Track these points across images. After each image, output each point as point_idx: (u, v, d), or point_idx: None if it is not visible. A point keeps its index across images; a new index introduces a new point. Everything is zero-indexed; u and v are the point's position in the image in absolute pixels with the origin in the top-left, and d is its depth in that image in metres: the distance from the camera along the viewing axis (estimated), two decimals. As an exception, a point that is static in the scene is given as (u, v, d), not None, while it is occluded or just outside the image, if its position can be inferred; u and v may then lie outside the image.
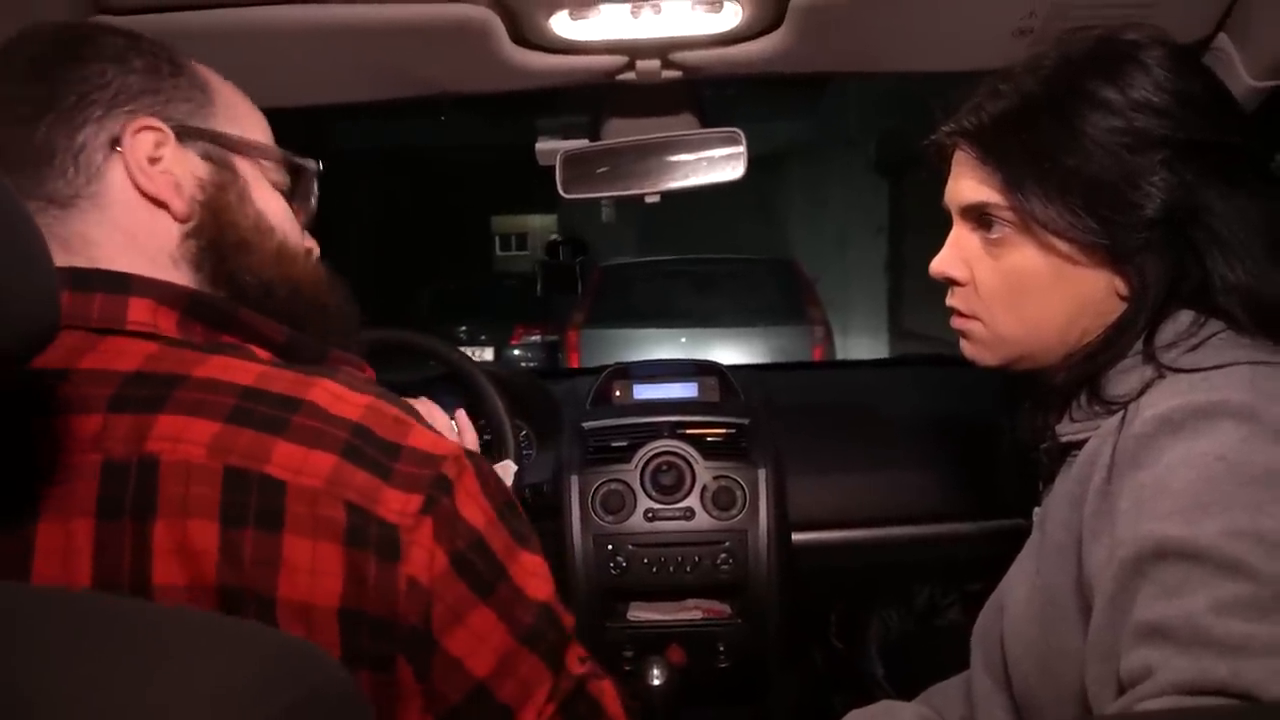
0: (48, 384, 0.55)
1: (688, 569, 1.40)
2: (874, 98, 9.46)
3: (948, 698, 0.93)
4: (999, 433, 1.31)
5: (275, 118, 0.73)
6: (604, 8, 0.98)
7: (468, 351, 1.47)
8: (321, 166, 0.75)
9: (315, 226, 0.76)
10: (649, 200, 1.20)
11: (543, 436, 1.58)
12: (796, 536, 1.49)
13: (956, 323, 0.81)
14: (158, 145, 0.63)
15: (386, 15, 0.96)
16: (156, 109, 0.64)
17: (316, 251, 0.74)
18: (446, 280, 9.53)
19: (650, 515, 1.42)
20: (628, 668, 1.38)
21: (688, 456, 1.44)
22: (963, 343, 0.82)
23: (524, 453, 1.52)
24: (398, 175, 13.25)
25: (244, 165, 0.67)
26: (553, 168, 1.19)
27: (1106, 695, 0.61)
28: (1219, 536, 0.56)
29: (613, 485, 1.43)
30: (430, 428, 0.60)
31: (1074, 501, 0.70)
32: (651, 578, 1.41)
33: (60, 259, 0.59)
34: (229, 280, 0.65)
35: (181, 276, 0.63)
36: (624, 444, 1.47)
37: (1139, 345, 0.70)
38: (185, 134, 0.64)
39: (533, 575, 0.59)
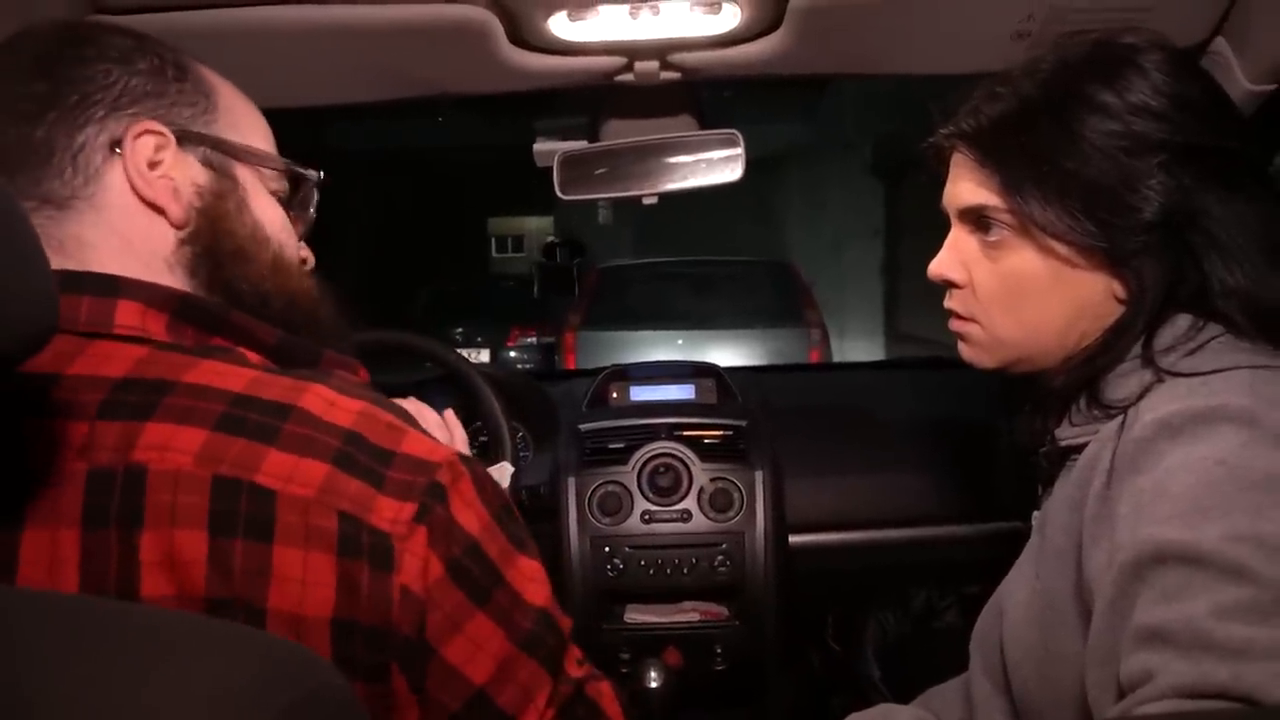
0: (35, 389, 0.54)
1: (685, 571, 1.40)
2: (871, 101, 9.48)
3: (945, 701, 0.93)
4: (996, 435, 1.32)
5: (272, 118, 0.73)
6: (602, 9, 0.98)
7: (464, 353, 1.47)
8: (322, 175, 0.74)
9: (312, 230, 0.75)
10: (647, 201, 1.20)
11: (540, 438, 1.58)
12: (794, 539, 1.49)
13: (954, 325, 0.81)
14: (158, 149, 0.62)
15: (384, 16, 0.96)
16: (159, 113, 0.63)
17: (311, 262, 0.74)
18: (443, 282, 9.52)
19: (647, 517, 1.42)
20: (625, 670, 1.38)
21: (685, 458, 1.44)
22: (961, 345, 0.82)
23: (521, 454, 1.52)
24: (395, 176, 13.24)
25: (244, 173, 0.67)
26: (550, 169, 1.19)
27: (1106, 699, 0.61)
28: (1219, 541, 0.56)
29: (610, 487, 1.43)
30: (425, 432, 0.59)
31: (1073, 506, 0.70)
32: (648, 580, 1.41)
33: (54, 261, 0.58)
34: (225, 289, 0.64)
35: (176, 283, 0.62)
36: (621, 446, 1.47)
37: (1137, 349, 0.70)
38: (186, 139, 0.64)
39: (530, 580, 0.59)
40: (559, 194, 1.19)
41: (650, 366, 1.69)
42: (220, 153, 0.65)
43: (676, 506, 1.42)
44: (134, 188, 0.61)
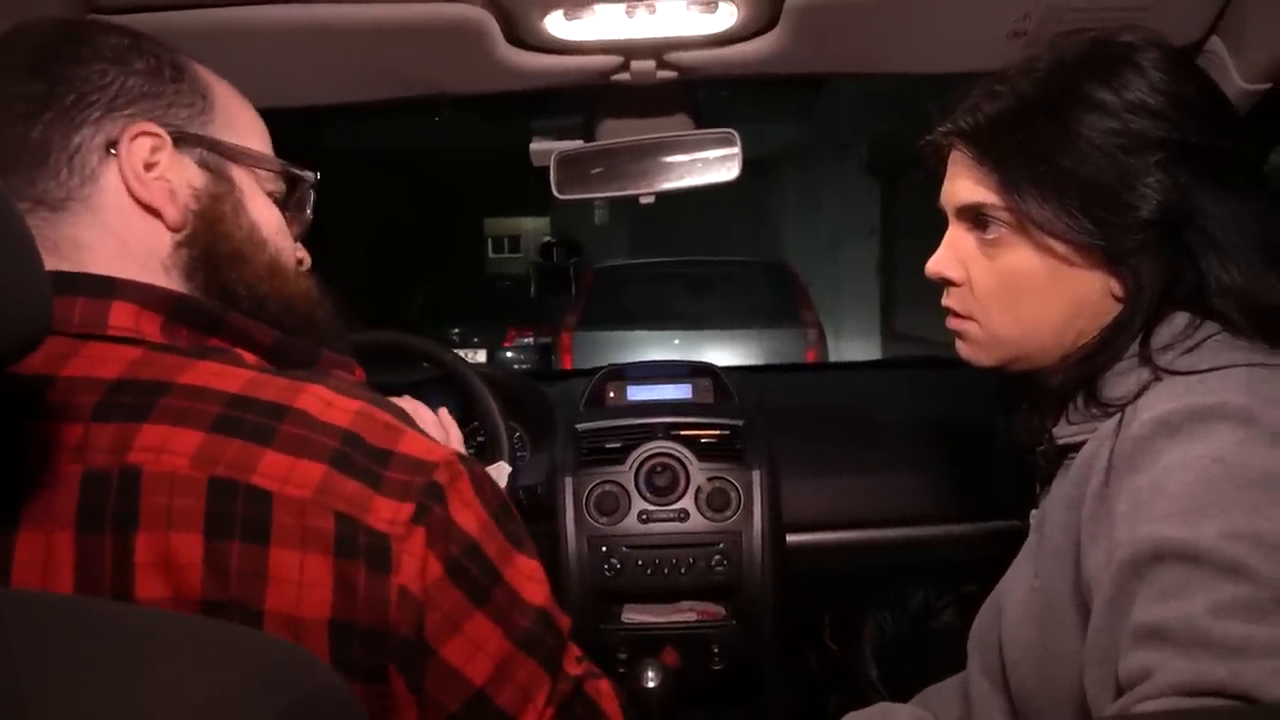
0: (29, 391, 0.54)
1: (682, 571, 1.40)
2: (867, 101, 9.50)
3: (943, 700, 0.93)
4: (993, 434, 1.32)
5: (269, 118, 0.72)
6: (599, 8, 0.98)
7: (461, 353, 1.46)
8: (318, 176, 0.74)
9: (309, 230, 0.75)
10: (644, 201, 1.20)
11: (537, 438, 1.58)
12: (791, 538, 1.49)
13: (952, 323, 0.81)
14: (154, 151, 0.62)
15: (380, 15, 0.96)
16: (156, 114, 0.63)
17: (308, 262, 0.73)
18: (440, 282, 9.52)
19: (644, 517, 1.41)
20: (622, 670, 1.38)
21: (682, 458, 1.44)
22: (959, 343, 0.82)
23: (518, 454, 1.52)
24: (392, 177, 13.24)
25: (240, 174, 0.66)
26: (547, 168, 1.18)
27: (1105, 697, 0.61)
28: (1217, 538, 0.56)
29: (607, 487, 1.43)
30: (422, 432, 0.59)
31: (1072, 504, 0.70)
32: (646, 579, 1.40)
33: (49, 263, 0.57)
34: (222, 291, 0.64)
35: (173, 285, 0.62)
36: (618, 445, 1.47)
37: (1135, 347, 0.70)
38: (183, 140, 0.63)
39: (529, 579, 0.59)
40: (555, 193, 1.18)
41: (647, 366, 1.69)
42: (216, 154, 0.65)
43: (674, 506, 1.42)
44: (130, 190, 0.61)
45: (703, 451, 1.45)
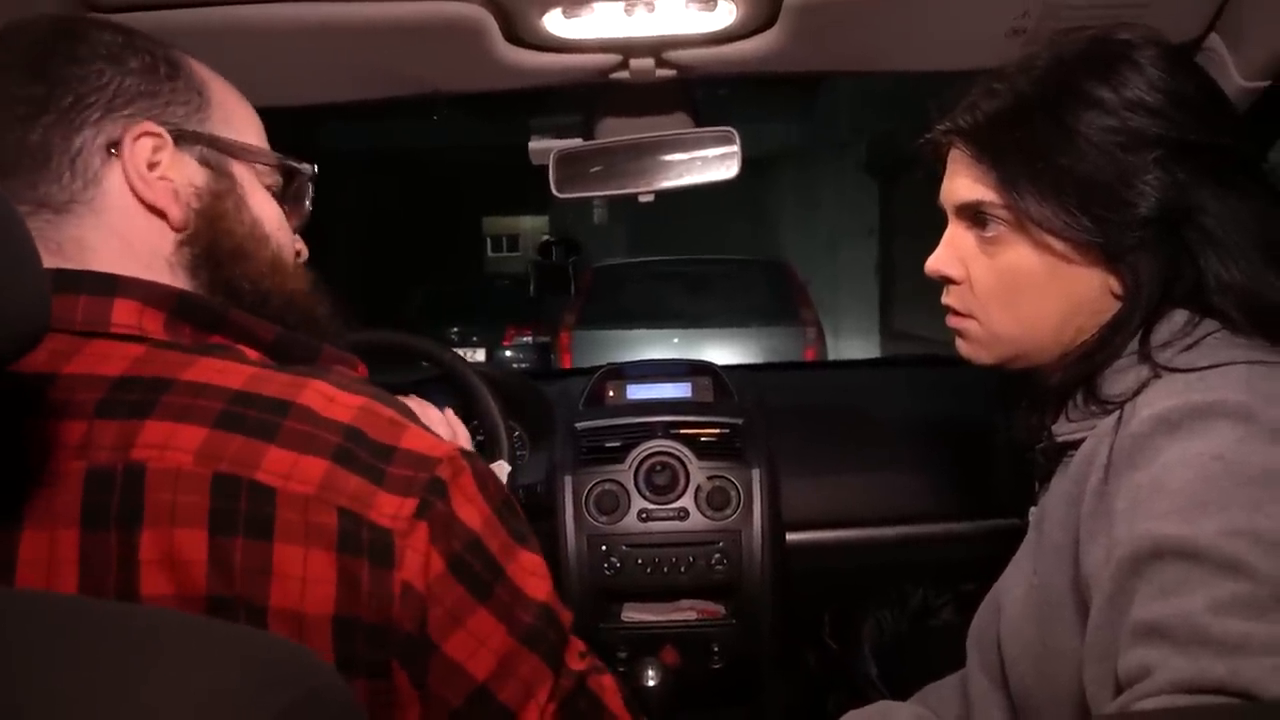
0: (32, 389, 0.54)
1: (682, 569, 1.40)
2: (866, 100, 9.50)
3: (943, 698, 0.93)
4: (993, 432, 1.32)
5: (266, 117, 0.72)
6: (598, 6, 0.98)
7: (460, 353, 1.46)
8: (315, 169, 0.74)
9: (306, 229, 0.75)
10: (643, 199, 1.20)
11: (536, 437, 1.58)
12: (790, 537, 1.49)
13: (952, 321, 0.81)
14: (156, 151, 0.62)
15: (379, 13, 0.96)
16: (155, 112, 0.62)
17: (305, 255, 0.73)
18: (438, 281, 9.52)
19: (644, 515, 1.41)
20: (622, 669, 1.38)
21: (681, 456, 1.44)
22: (958, 341, 0.82)
23: (517, 453, 1.52)
24: (390, 176, 13.23)
25: (240, 170, 0.66)
26: (546, 167, 1.18)
27: (1104, 695, 0.61)
28: (1217, 536, 0.56)
29: (606, 485, 1.43)
30: (426, 428, 0.59)
31: (1071, 501, 0.70)
32: (645, 578, 1.40)
33: (52, 264, 0.57)
34: (226, 288, 0.64)
35: (178, 283, 0.62)
36: (617, 444, 1.47)
37: (1134, 345, 0.70)
38: (182, 138, 0.63)
39: (531, 574, 0.59)
40: (555, 192, 1.18)
41: (646, 365, 1.69)
42: (216, 150, 0.65)
43: (673, 505, 1.42)
44: (134, 190, 0.61)
45: (702, 450, 1.45)
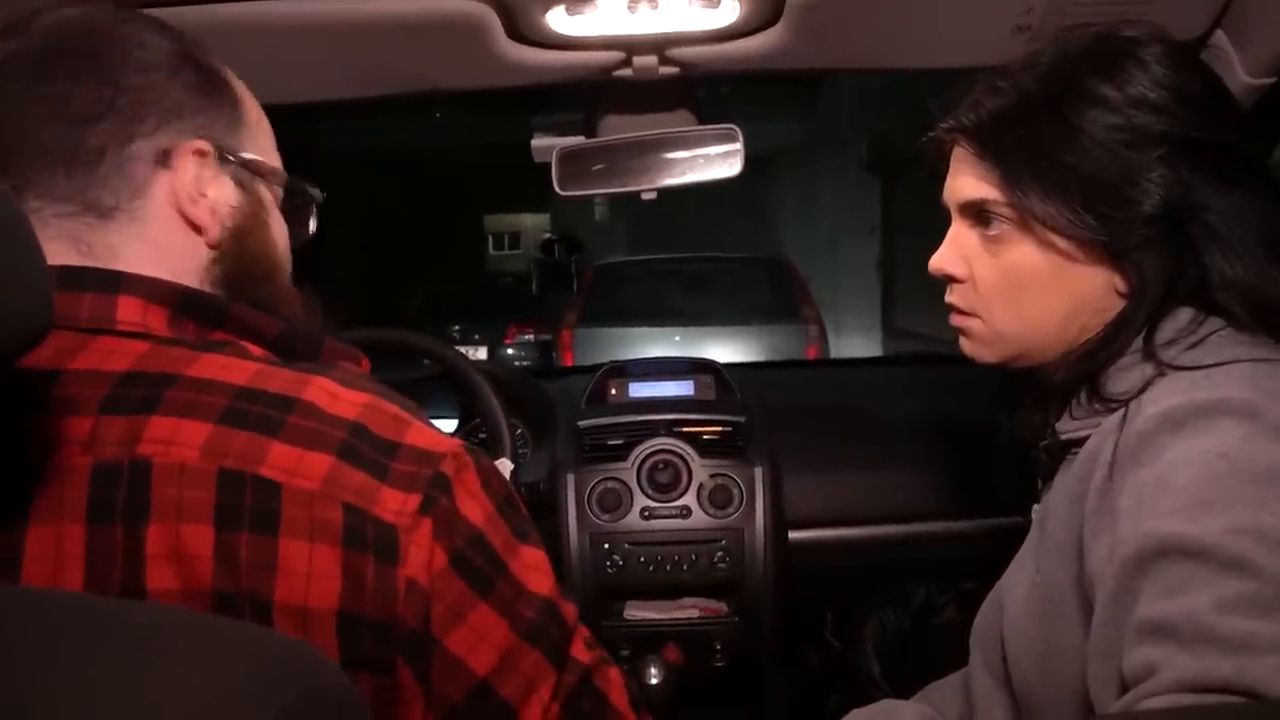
0: (37, 385, 0.54)
1: (684, 567, 1.40)
2: (867, 98, 9.49)
3: (945, 696, 0.93)
4: (995, 430, 1.32)
5: (269, 114, 0.72)
6: (601, 3, 0.98)
7: (462, 350, 1.46)
8: (324, 196, 0.74)
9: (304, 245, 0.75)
10: (646, 197, 1.20)
11: (538, 435, 1.57)
12: (793, 535, 1.49)
13: (955, 320, 0.81)
14: (202, 167, 0.62)
15: (381, 10, 0.96)
16: (203, 128, 0.63)
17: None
18: (440, 279, 9.51)
19: (647, 514, 1.41)
20: (625, 667, 1.37)
21: (684, 454, 1.44)
22: (962, 340, 0.82)
23: (520, 451, 1.52)
24: (392, 174, 13.23)
25: (263, 191, 0.67)
26: (548, 165, 1.18)
27: (1108, 694, 0.60)
28: (1222, 534, 0.56)
29: (609, 484, 1.43)
30: (429, 424, 0.59)
31: (1074, 499, 0.70)
32: (648, 576, 1.40)
33: (77, 264, 0.58)
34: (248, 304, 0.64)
35: None
36: (620, 442, 1.47)
37: (1138, 343, 0.70)
38: (222, 157, 0.64)
39: (533, 570, 0.59)
40: (557, 189, 1.18)
41: (648, 363, 1.69)
42: (249, 171, 0.66)
43: (676, 503, 1.42)
44: (179, 206, 0.61)
45: (704, 448, 1.45)
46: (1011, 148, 0.73)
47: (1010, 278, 0.76)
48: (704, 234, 9.38)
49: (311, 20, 0.97)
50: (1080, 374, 0.73)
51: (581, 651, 0.60)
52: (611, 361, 1.68)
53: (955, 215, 0.80)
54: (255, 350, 0.60)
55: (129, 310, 0.57)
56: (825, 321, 6.20)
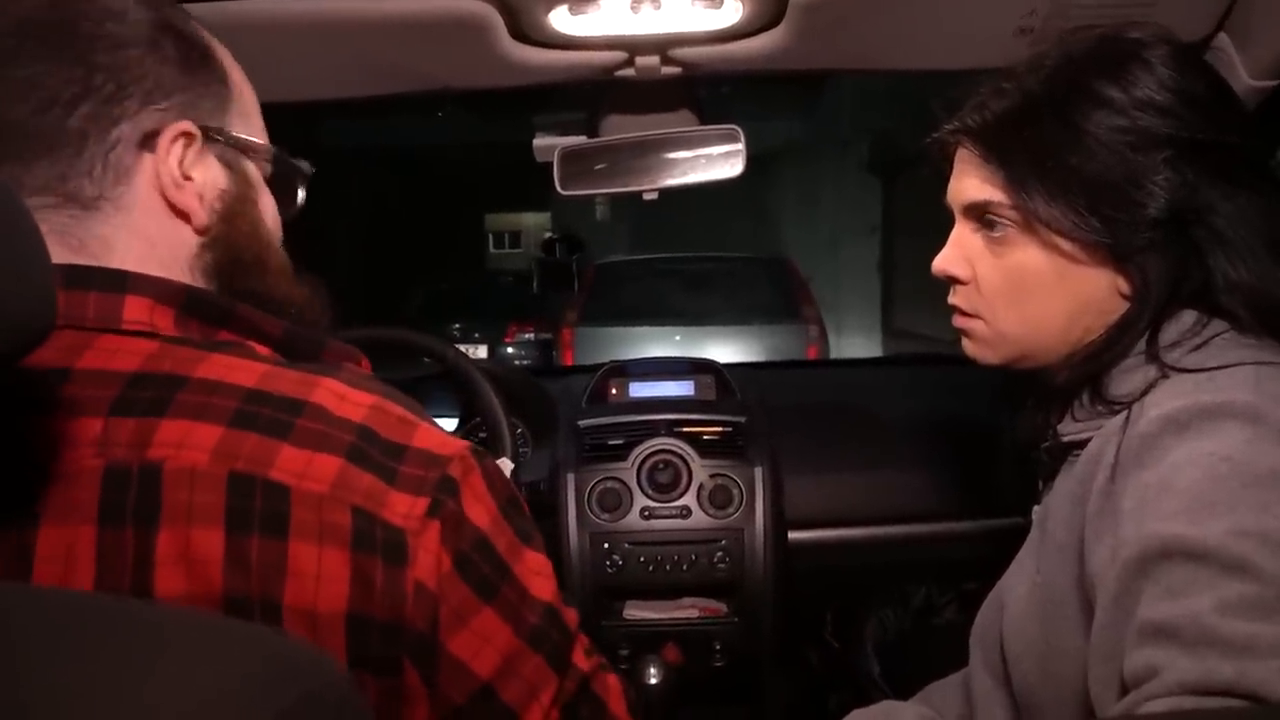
0: (45, 383, 0.54)
1: (684, 567, 1.40)
2: (869, 98, 9.49)
3: (946, 697, 0.93)
4: (996, 431, 1.32)
5: (268, 113, 0.71)
6: (604, 3, 0.98)
7: (462, 349, 1.46)
8: (313, 169, 0.72)
9: (308, 228, 0.74)
10: (647, 197, 1.19)
11: (539, 434, 1.57)
12: (793, 535, 1.49)
13: (958, 321, 0.81)
14: (187, 150, 0.60)
15: (385, 10, 0.96)
16: (187, 107, 0.60)
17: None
18: (440, 278, 9.51)
19: (647, 513, 1.41)
20: (624, 666, 1.38)
21: (684, 455, 1.44)
22: (964, 341, 0.82)
23: (520, 451, 1.52)
24: (392, 173, 13.22)
25: (250, 167, 0.65)
26: (550, 164, 1.18)
27: (1109, 696, 0.60)
28: (1224, 536, 0.56)
29: (609, 483, 1.43)
30: (435, 425, 0.59)
31: (1076, 500, 0.70)
32: (648, 576, 1.40)
33: (73, 260, 0.57)
34: (245, 296, 0.63)
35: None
36: (620, 442, 1.46)
37: (1142, 345, 0.70)
38: (208, 136, 0.61)
39: (536, 574, 0.59)
40: (559, 189, 1.18)
41: (649, 363, 1.69)
42: (235, 150, 0.64)
43: (676, 503, 1.42)
44: (163, 191, 0.59)
45: (705, 448, 1.45)
46: (1016, 150, 0.73)
47: (1014, 279, 0.76)
48: (705, 234, 9.38)
49: (313, 19, 0.96)
50: (1083, 376, 0.73)
51: (581, 658, 0.60)
52: (612, 361, 1.68)
53: (959, 217, 0.80)
54: (261, 350, 0.60)
55: (136, 310, 0.57)
56: (826, 322, 6.20)
